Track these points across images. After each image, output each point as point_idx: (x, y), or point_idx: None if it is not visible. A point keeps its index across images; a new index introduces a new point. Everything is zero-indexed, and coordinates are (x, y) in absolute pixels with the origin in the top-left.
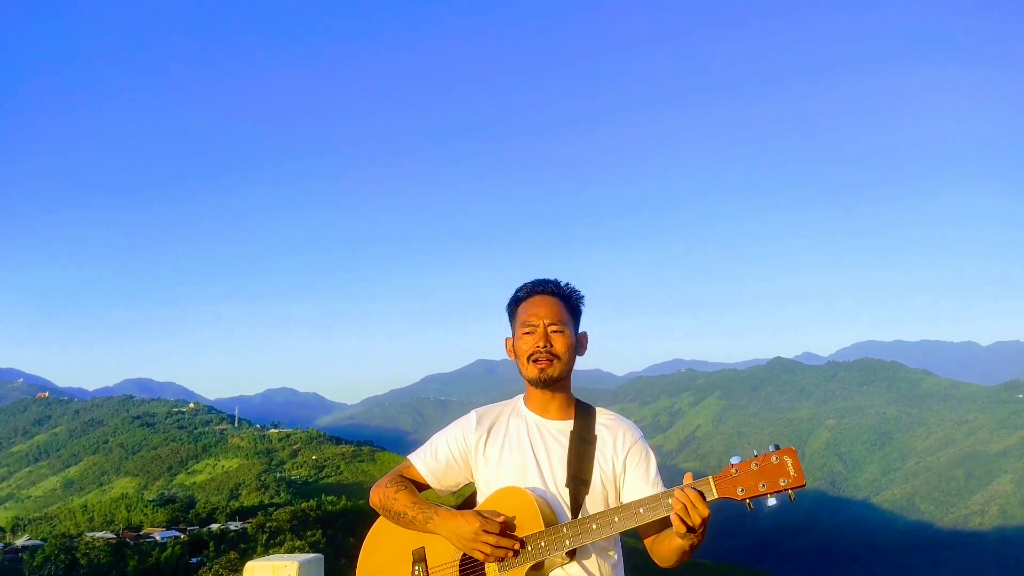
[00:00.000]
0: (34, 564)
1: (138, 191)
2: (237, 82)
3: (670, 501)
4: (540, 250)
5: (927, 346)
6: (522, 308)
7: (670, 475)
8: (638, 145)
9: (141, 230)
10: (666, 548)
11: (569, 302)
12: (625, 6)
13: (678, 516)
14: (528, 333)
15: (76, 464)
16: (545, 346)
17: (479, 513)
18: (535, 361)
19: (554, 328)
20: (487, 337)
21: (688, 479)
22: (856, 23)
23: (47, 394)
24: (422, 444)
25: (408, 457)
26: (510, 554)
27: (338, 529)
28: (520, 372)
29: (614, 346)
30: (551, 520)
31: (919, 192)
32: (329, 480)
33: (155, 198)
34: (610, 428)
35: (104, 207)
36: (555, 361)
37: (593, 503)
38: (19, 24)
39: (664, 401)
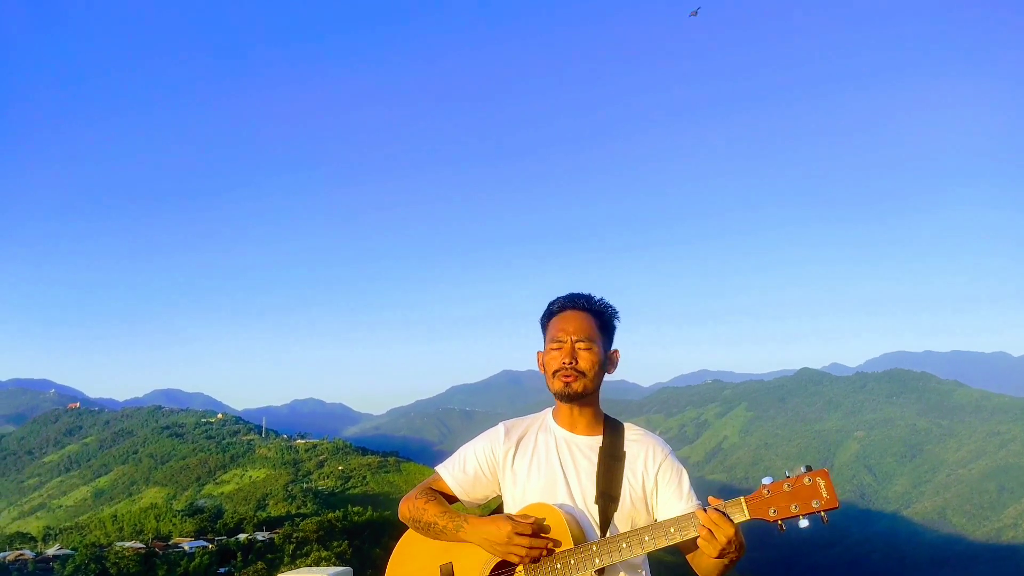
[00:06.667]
0: (65, 573)
1: (167, 201)
2: (266, 88)
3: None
4: (567, 260)
5: (958, 356)
6: (553, 323)
7: (697, 487)
8: (665, 155)
9: (171, 241)
10: (706, 564)
11: (601, 318)
12: (636, 16)
13: (705, 539)
14: (556, 348)
15: (106, 474)
16: (571, 362)
17: (509, 516)
18: (560, 376)
19: (581, 345)
20: (512, 348)
21: (713, 502)
22: (890, 31)
23: (78, 405)
24: (448, 455)
25: (436, 469)
26: (544, 553)
27: (364, 539)
28: (548, 386)
29: (639, 357)
30: (580, 538)
31: (949, 201)
32: (355, 491)
33: (185, 208)
34: (639, 444)
35: (133, 218)
36: (580, 377)
37: (622, 520)
38: (20, 29)
39: (690, 412)
